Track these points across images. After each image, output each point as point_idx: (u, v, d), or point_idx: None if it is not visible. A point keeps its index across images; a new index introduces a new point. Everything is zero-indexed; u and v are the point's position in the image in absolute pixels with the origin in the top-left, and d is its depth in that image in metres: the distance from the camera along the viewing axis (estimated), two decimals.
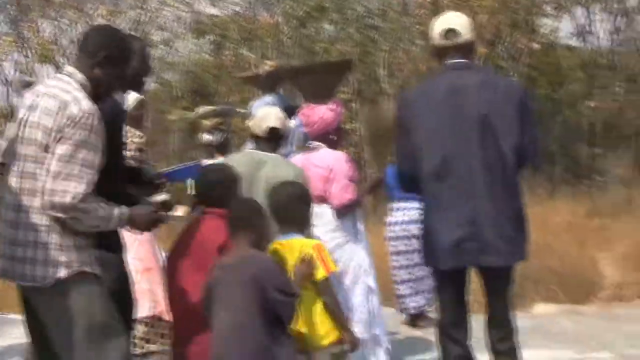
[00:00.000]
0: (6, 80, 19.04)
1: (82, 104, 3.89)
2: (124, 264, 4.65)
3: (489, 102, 4.75)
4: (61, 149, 3.81)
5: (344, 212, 6.07)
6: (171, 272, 4.75)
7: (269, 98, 7.78)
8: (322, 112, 6.19)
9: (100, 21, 17.54)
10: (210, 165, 5.83)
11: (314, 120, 6.18)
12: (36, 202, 3.86)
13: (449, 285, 4.99)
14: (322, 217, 5.83)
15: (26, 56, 18.94)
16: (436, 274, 5.04)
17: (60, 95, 3.92)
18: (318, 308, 4.56)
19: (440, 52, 5.01)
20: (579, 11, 21.38)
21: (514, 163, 4.76)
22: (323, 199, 5.92)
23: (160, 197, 4.52)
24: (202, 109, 7.58)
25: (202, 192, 4.85)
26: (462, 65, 4.92)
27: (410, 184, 5.03)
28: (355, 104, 19.59)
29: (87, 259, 3.97)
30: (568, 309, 10.32)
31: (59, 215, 3.82)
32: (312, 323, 4.54)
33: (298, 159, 6.18)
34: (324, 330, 4.55)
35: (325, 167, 5.99)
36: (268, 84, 7.99)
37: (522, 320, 6.46)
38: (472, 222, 4.73)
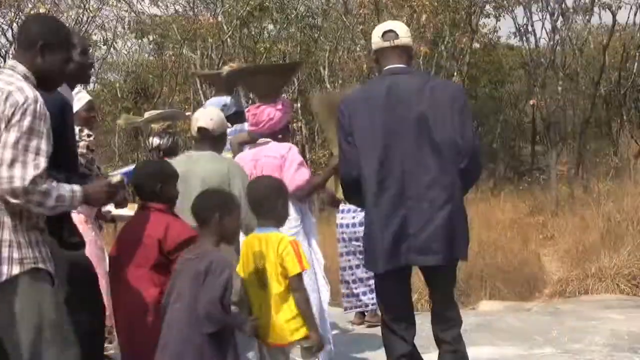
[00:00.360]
0: None
1: (25, 91, 3.83)
2: (91, 264, 4.59)
3: (427, 105, 4.77)
4: (7, 137, 3.74)
5: (303, 195, 6.13)
6: (114, 269, 4.69)
7: (224, 98, 7.80)
8: (269, 112, 6.27)
9: None
10: (147, 160, 5.78)
11: (262, 120, 6.26)
12: None
13: (390, 285, 4.98)
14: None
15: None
16: (376, 275, 5.00)
17: (3, 87, 3.85)
18: (290, 303, 4.56)
19: (379, 55, 5.07)
20: (519, 11, 21.64)
21: (451, 165, 4.76)
22: None
23: (115, 178, 4.47)
24: (150, 113, 7.52)
25: (138, 185, 4.83)
26: (400, 69, 4.96)
27: (352, 187, 4.99)
28: (298, 103, 19.59)
29: (40, 255, 3.88)
30: (513, 305, 10.41)
31: (15, 201, 3.73)
32: (283, 317, 4.55)
33: (248, 152, 6.23)
34: (295, 325, 4.57)
35: (278, 156, 6.06)
36: (227, 84, 8.02)
37: (467, 317, 6.48)
38: (406, 224, 4.75)
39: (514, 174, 25.40)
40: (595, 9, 21.05)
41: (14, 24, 16.87)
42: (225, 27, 19.29)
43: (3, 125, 3.76)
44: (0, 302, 3.81)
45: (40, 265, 3.86)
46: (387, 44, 4.98)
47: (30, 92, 3.85)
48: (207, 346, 4.20)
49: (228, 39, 19.33)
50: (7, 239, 3.79)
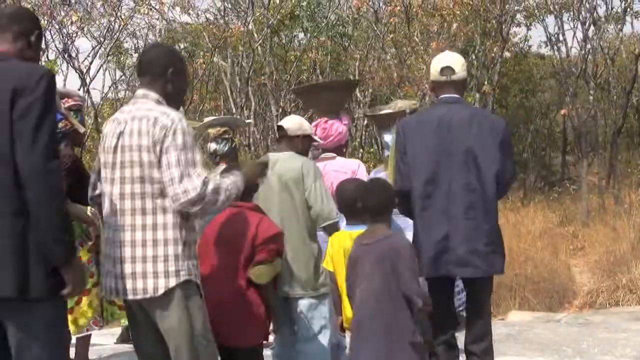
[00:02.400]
0: None
1: (168, 113, 4.27)
2: None
3: (475, 134, 5.34)
4: (169, 158, 4.18)
5: None
6: (208, 261, 5.02)
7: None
8: (337, 126, 6.81)
9: (73, 28, 17.47)
10: (238, 163, 6.17)
11: (332, 134, 6.79)
12: (138, 219, 4.22)
13: (436, 290, 5.45)
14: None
15: None
16: (426, 279, 5.49)
17: (148, 114, 4.27)
18: None
19: (437, 87, 5.64)
20: (550, 20, 21.53)
21: (492, 188, 5.33)
22: None
23: (264, 157, 5.09)
24: (208, 119, 7.59)
25: None
26: (454, 99, 5.52)
27: (402, 198, 5.46)
28: None
29: (191, 268, 4.31)
30: (542, 316, 10.35)
31: (195, 209, 4.22)
32: None
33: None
34: None
35: (349, 172, 6.52)
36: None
37: (496, 327, 6.47)
38: (448, 238, 5.31)
39: (544, 184, 25.27)
40: (628, 18, 21.00)
41: (47, 32, 16.98)
42: (255, 36, 19.35)
43: (158, 148, 4.18)
44: (160, 312, 4.27)
45: (193, 278, 4.30)
46: (444, 78, 5.56)
47: (172, 113, 4.28)
48: (397, 318, 4.76)
49: (259, 47, 19.37)
50: (162, 254, 4.22)
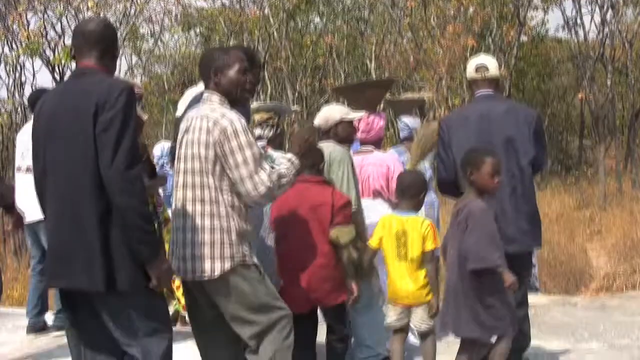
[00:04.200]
0: None
1: (228, 115, 4.65)
2: None
3: (512, 126, 5.96)
4: (235, 158, 4.60)
5: None
6: (287, 231, 5.62)
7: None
8: (378, 121, 7.19)
9: (88, 14, 17.47)
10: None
11: (374, 128, 7.12)
12: (199, 207, 4.64)
13: None
14: (375, 209, 6.54)
15: (14, 49, 18.86)
16: None
17: (209, 114, 4.67)
18: (422, 272, 5.64)
19: (474, 84, 6.30)
20: (568, 3, 21.39)
21: (530, 174, 5.99)
22: (378, 194, 6.84)
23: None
24: (255, 104, 7.68)
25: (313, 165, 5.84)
26: (490, 96, 6.14)
27: (448, 187, 6.15)
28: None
29: (246, 252, 4.68)
30: (559, 299, 10.31)
31: (266, 201, 4.85)
32: (417, 284, 5.63)
33: (355, 158, 6.83)
34: (425, 290, 5.65)
35: (385, 166, 6.88)
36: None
37: None
38: (496, 219, 5.69)
39: (561, 167, 25.18)
40: None
41: (63, 18, 17.06)
42: (271, 20, 19.34)
43: (218, 149, 4.60)
44: (216, 291, 4.69)
45: (247, 260, 4.69)
46: (479, 76, 6.17)
47: (231, 114, 4.67)
48: (476, 283, 5.21)
49: (274, 32, 19.36)
50: (219, 240, 4.63)
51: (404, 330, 5.79)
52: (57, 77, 18.56)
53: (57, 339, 7.64)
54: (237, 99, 4.89)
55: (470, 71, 6.30)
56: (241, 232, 4.70)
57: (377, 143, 7.19)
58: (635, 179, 17.40)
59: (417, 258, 5.64)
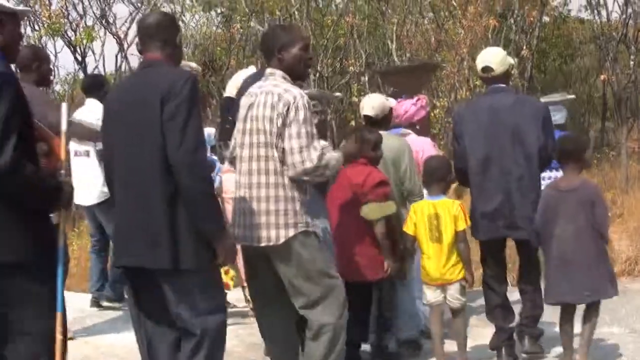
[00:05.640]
0: None
1: (291, 90, 5.01)
2: None
3: (519, 117, 6.41)
4: (291, 130, 4.91)
5: None
6: (340, 206, 6.25)
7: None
8: (406, 106, 7.58)
9: None
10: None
11: (400, 113, 7.53)
12: (263, 178, 4.99)
13: (489, 251, 6.70)
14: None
15: (36, 29, 18.90)
16: (481, 243, 6.73)
17: (273, 90, 5.02)
18: (455, 252, 6.14)
19: (483, 79, 6.94)
20: None
21: (536, 163, 6.41)
22: None
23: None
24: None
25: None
26: (499, 89, 6.63)
27: (461, 174, 6.63)
28: (364, 76, 19.51)
29: (308, 220, 5.06)
30: None
31: (307, 178, 5.03)
32: (450, 263, 6.15)
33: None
34: (458, 268, 6.17)
35: (416, 149, 7.17)
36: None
37: None
38: (502, 206, 6.38)
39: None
40: None
41: None
42: (292, 0, 19.27)
43: (281, 121, 4.93)
44: (280, 258, 5.06)
45: (309, 228, 5.06)
46: (485, 75, 6.71)
47: (295, 90, 5.04)
48: (596, 252, 6.11)
49: (295, 12, 19.31)
50: (283, 208, 4.99)
51: (441, 305, 6.30)
52: (79, 58, 18.58)
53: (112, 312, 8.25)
54: (300, 75, 5.27)
55: (478, 70, 6.81)
56: (304, 201, 5.05)
57: (412, 126, 7.56)
58: None
59: (450, 239, 6.09)
